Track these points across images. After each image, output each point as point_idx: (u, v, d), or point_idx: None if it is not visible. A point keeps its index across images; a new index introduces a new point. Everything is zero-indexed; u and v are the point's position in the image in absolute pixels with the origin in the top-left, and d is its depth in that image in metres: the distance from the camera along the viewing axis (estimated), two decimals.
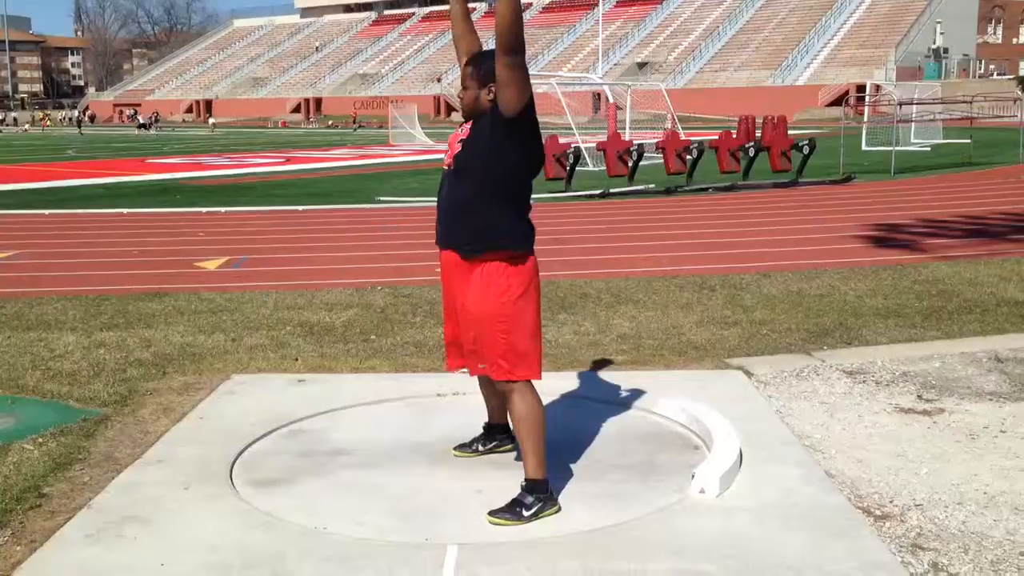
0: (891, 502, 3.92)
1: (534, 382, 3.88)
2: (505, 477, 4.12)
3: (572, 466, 4.34)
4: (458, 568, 3.36)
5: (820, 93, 65.49)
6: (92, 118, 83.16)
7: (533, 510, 3.79)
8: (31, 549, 3.55)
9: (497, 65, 3.64)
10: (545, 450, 3.88)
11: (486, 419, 4.53)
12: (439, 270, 4.11)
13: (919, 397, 5.29)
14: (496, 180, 3.77)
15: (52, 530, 3.71)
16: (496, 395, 4.29)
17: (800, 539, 3.56)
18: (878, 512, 3.82)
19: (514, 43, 3.58)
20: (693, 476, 4.03)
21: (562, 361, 6.03)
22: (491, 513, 3.79)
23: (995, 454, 4.43)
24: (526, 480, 3.87)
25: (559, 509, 3.85)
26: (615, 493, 4.05)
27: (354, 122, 69.50)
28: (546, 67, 74.44)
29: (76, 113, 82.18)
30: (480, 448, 4.52)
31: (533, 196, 3.99)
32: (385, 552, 3.49)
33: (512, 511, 3.79)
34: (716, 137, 19.62)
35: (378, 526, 3.75)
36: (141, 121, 71.36)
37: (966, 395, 5.31)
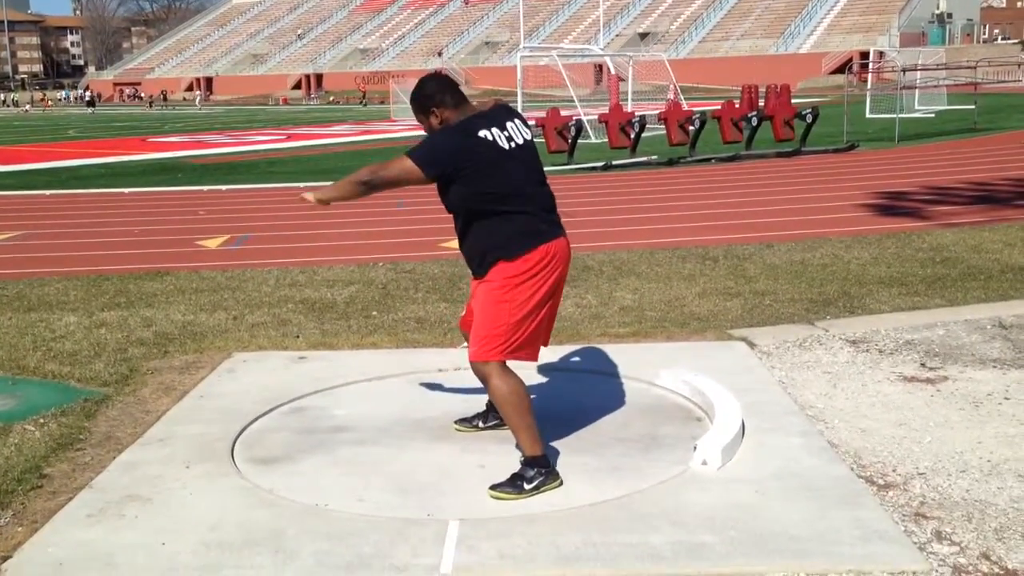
0: (894, 471, 3.91)
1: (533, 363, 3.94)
2: (507, 452, 4.11)
3: (574, 439, 4.32)
4: (459, 543, 3.35)
5: (823, 61, 65.06)
6: (98, 97, 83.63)
7: (535, 483, 3.78)
8: (32, 530, 3.55)
9: None
10: (536, 425, 3.87)
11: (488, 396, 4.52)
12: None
13: (922, 365, 5.27)
14: (466, 215, 3.88)
15: (54, 510, 3.71)
16: None
17: (803, 510, 3.55)
18: (881, 481, 3.81)
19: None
20: (695, 448, 4.02)
21: (564, 334, 6.01)
22: (493, 487, 3.79)
23: (999, 421, 4.41)
24: (524, 457, 3.86)
25: (561, 483, 3.84)
26: (617, 466, 4.04)
27: (363, 97, 69.26)
28: (547, 39, 74.00)
29: (82, 92, 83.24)
30: (481, 424, 4.51)
31: None
32: (386, 528, 3.49)
33: (513, 484, 3.78)
34: (719, 107, 19.50)
35: (379, 502, 3.74)
36: (88, 98, 73.60)
37: (970, 363, 5.28)
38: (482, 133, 3.77)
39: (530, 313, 3.83)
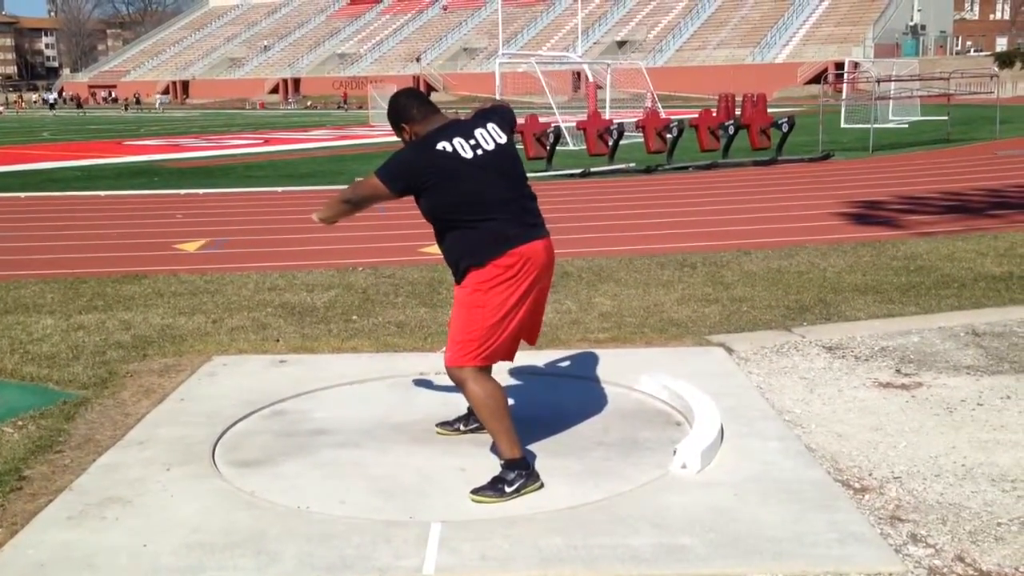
0: (870, 475, 3.96)
1: (508, 365, 4.07)
2: (487, 455, 4.13)
3: (554, 443, 4.35)
4: (442, 545, 3.37)
5: (799, 71, 65.57)
6: (80, 99, 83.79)
7: (515, 486, 3.80)
8: (12, 532, 3.54)
9: None
10: (514, 428, 3.90)
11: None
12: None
13: (898, 371, 5.34)
14: (438, 224, 3.95)
15: (34, 512, 3.70)
16: None
17: (781, 512, 3.59)
18: (857, 485, 3.86)
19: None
20: (675, 452, 4.06)
21: (544, 339, 6.02)
22: (474, 491, 3.81)
23: (972, 427, 4.48)
24: (503, 460, 3.89)
25: (542, 485, 3.87)
26: (597, 470, 4.07)
27: (345, 102, 69.12)
28: (526, 46, 74.11)
29: (45, 95, 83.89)
30: (462, 428, 4.53)
31: None
32: (368, 530, 3.50)
33: (494, 488, 3.80)
34: (696, 115, 19.62)
35: (361, 504, 3.76)
36: (50, 101, 76.52)
37: (944, 369, 5.36)
38: (440, 146, 3.79)
39: (504, 317, 3.86)
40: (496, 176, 3.87)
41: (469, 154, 3.81)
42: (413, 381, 5.32)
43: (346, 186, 4.10)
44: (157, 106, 73.67)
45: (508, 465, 3.87)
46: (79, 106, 78.14)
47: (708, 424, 4.29)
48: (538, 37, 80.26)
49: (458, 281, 3.96)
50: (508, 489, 3.80)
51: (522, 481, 3.83)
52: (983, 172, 16.48)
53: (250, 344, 6.15)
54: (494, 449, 3.96)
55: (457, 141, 3.82)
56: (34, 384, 5.35)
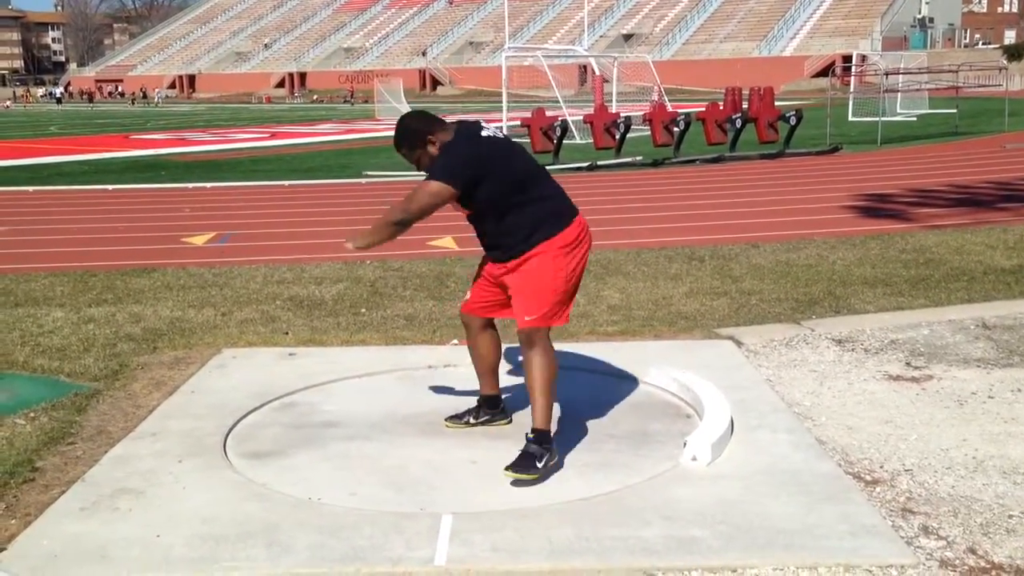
0: (881, 467, 3.96)
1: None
2: (498, 447, 4.15)
3: (564, 436, 4.35)
4: (453, 536, 3.38)
5: (806, 64, 65.41)
6: (89, 95, 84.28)
7: (543, 460, 3.92)
8: (26, 523, 3.55)
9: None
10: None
11: (479, 391, 4.55)
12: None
13: (908, 364, 5.33)
14: (496, 212, 4.01)
15: (46, 503, 3.71)
16: (490, 369, 4.46)
17: (791, 505, 3.59)
18: (868, 477, 3.86)
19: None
20: (685, 444, 4.06)
21: (553, 332, 6.01)
22: (511, 468, 3.89)
23: (983, 419, 4.47)
24: (537, 430, 3.98)
25: (559, 459, 4.01)
26: (608, 462, 4.08)
27: (351, 96, 69.07)
28: (532, 40, 74.03)
29: (51, 89, 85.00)
30: (472, 421, 4.53)
31: None
32: (380, 521, 3.51)
33: (528, 466, 3.89)
34: (703, 109, 19.59)
35: (372, 497, 3.77)
36: (57, 95, 77.33)
37: (954, 362, 5.35)
38: (485, 133, 4.04)
39: (569, 283, 4.08)
40: (530, 156, 4.16)
41: (504, 140, 4.07)
42: (422, 374, 5.32)
43: (389, 207, 4.03)
44: (156, 101, 73.95)
45: (539, 438, 3.97)
46: (90, 100, 79.66)
47: (718, 416, 4.29)
48: (544, 31, 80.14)
49: (517, 256, 4.05)
50: (539, 464, 3.89)
51: (547, 455, 3.93)
52: (992, 165, 16.42)
53: (259, 337, 6.16)
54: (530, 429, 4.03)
55: (492, 129, 4.08)
56: (46, 376, 5.37)
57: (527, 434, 4.00)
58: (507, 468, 3.88)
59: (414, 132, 4.04)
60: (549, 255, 4.00)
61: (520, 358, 4.16)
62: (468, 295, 4.37)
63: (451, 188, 3.88)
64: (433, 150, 4.01)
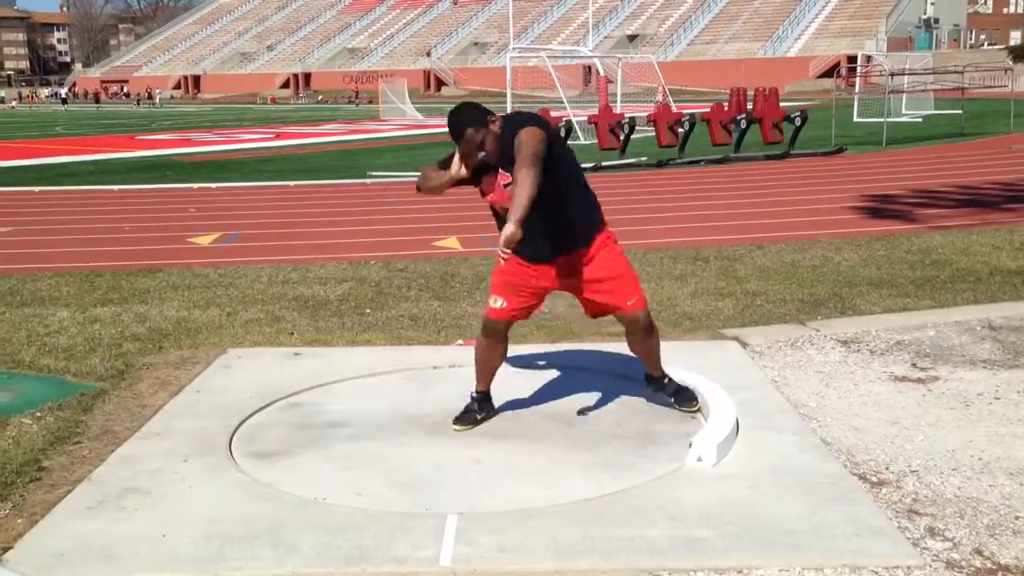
0: (887, 469, 3.95)
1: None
2: (503, 448, 4.16)
3: (569, 436, 4.36)
4: (458, 536, 3.38)
5: (811, 64, 65.36)
6: (95, 96, 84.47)
7: (672, 389, 4.59)
8: (32, 521, 3.56)
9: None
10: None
11: (478, 388, 4.59)
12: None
13: (913, 365, 5.32)
14: (561, 188, 4.15)
15: (53, 503, 3.72)
16: (494, 371, 4.53)
17: (797, 505, 3.59)
18: (874, 479, 3.85)
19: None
20: (690, 445, 4.06)
21: (558, 332, 6.04)
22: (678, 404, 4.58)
23: (989, 420, 4.47)
24: (661, 375, 4.62)
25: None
26: (613, 462, 4.07)
27: (356, 96, 69.11)
28: (536, 40, 74.01)
29: (56, 91, 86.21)
30: (478, 417, 4.55)
31: None
32: (385, 521, 3.51)
33: (688, 399, 4.55)
34: (708, 110, 19.57)
35: (377, 496, 3.77)
36: (62, 96, 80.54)
37: (960, 363, 5.34)
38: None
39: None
40: None
41: None
42: (427, 375, 5.32)
43: (517, 177, 3.85)
44: (156, 102, 74.19)
45: (661, 377, 4.59)
46: (96, 100, 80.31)
47: (723, 417, 4.29)
48: (548, 31, 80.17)
49: (588, 242, 4.24)
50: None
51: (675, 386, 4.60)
52: (997, 166, 16.39)
53: (264, 337, 6.17)
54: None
55: None
56: (52, 376, 5.38)
57: (662, 378, 4.58)
58: (677, 404, 4.53)
59: (476, 114, 4.13)
60: (612, 239, 4.30)
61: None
62: (501, 303, 4.35)
63: (545, 134, 3.99)
64: (495, 128, 4.09)
